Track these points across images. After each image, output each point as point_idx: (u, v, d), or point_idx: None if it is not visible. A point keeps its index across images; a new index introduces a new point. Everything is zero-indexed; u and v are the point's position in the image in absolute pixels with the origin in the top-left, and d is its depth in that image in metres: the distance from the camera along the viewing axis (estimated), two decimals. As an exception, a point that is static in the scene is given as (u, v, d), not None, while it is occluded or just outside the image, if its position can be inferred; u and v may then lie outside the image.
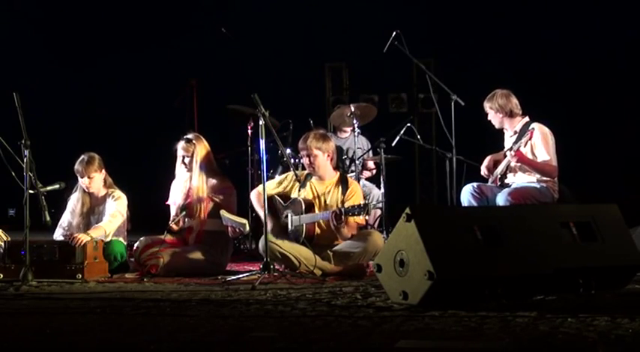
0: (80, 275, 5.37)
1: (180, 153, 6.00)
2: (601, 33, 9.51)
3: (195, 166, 5.94)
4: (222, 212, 5.75)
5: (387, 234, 6.68)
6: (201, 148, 5.99)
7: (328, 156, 5.75)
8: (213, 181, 5.96)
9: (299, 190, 5.69)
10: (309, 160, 5.72)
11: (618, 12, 9.46)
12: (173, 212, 6.01)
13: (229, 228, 5.70)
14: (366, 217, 5.72)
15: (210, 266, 5.73)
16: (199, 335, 3.25)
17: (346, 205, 5.46)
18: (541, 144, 5.73)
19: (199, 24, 10.29)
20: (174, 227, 5.88)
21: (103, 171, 6.10)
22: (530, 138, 5.70)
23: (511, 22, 9.86)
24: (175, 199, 6.04)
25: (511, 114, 5.90)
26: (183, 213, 5.88)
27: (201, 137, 6.08)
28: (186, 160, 5.97)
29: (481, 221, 4.03)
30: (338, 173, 5.88)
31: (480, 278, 3.85)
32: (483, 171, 5.99)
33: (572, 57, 9.62)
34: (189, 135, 6.09)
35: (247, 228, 5.66)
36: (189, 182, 5.97)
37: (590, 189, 7.21)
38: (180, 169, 6.05)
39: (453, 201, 6.50)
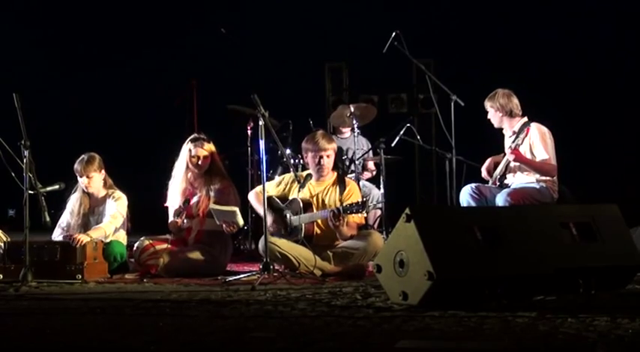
0: (80, 276, 5.37)
1: (197, 153, 5.90)
2: (601, 32, 9.51)
3: (213, 167, 5.93)
4: (211, 205, 5.70)
5: (387, 234, 6.68)
6: (213, 149, 5.98)
7: (335, 155, 5.82)
8: (217, 182, 5.95)
9: (298, 190, 5.69)
10: (321, 161, 5.70)
11: (618, 11, 9.46)
12: (172, 213, 5.96)
13: (223, 226, 5.63)
14: (365, 215, 5.72)
15: (209, 266, 5.71)
16: (199, 335, 3.25)
17: (345, 204, 5.46)
18: (539, 143, 5.74)
19: (199, 24, 10.28)
20: (179, 221, 5.84)
21: (103, 171, 6.09)
22: (526, 135, 5.71)
23: (511, 22, 9.85)
24: (174, 201, 5.99)
25: (511, 114, 5.91)
26: (187, 204, 5.83)
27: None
28: (205, 161, 5.92)
29: (481, 221, 4.03)
30: (335, 173, 5.89)
31: (479, 279, 3.85)
32: (484, 173, 5.98)
33: (572, 57, 9.62)
34: (203, 135, 6.02)
35: (239, 217, 5.57)
36: (195, 181, 5.95)
37: (590, 189, 7.20)
38: (179, 169, 6.01)
39: (452, 202, 6.50)
